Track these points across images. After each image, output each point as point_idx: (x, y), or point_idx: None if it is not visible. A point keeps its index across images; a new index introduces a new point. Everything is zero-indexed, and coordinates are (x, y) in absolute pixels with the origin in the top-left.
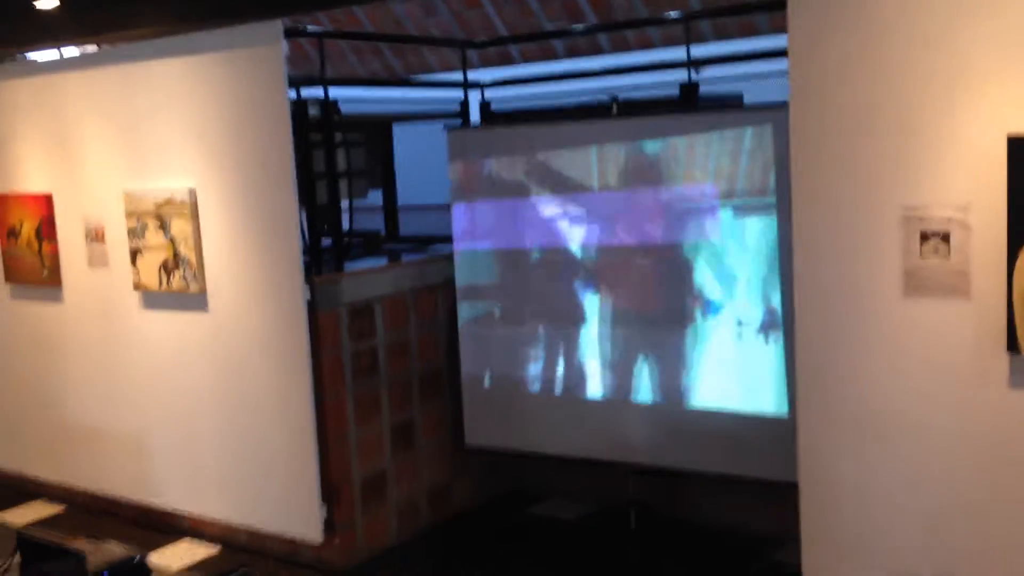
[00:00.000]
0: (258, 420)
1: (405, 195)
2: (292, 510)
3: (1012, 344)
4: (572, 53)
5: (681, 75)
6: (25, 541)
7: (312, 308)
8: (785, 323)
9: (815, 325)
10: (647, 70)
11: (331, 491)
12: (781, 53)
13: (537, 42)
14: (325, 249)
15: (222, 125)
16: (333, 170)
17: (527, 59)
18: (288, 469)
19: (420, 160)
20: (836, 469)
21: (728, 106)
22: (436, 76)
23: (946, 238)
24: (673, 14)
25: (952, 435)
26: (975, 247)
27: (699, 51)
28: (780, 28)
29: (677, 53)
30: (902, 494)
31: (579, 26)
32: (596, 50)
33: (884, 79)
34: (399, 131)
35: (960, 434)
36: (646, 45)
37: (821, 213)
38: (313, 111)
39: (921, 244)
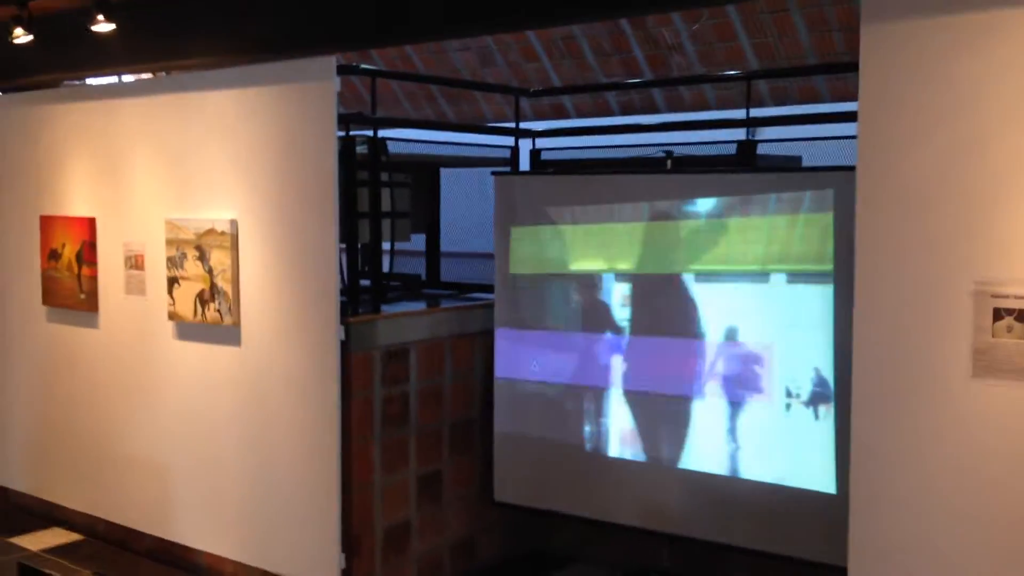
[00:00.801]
0: (282, 460)
1: (447, 242)
2: (310, 556)
3: None
4: (627, 111)
5: (738, 135)
6: (26, 570)
7: (346, 349)
8: (837, 397)
9: (872, 403)
10: (703, 127)
11: (351, 540)
12: (842, 116)
13: (592, 97)
14: (363, 290)
15: (269, 158)
16: (377, 210)
17: (581, 114)
18: (309, 513)
19: (465, 207)
20: (888, 559)
21: (787, 168)
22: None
23: (1021, 316)
24: (732, 72)
25: (1020, 526)
26: None
27: (757, 112)
28: (841, 95)
29: (733, 115)
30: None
31: (635, 81)
32: (651, 108)
33: (960, 147)
34: (446, 177)
35: None
36: (702, 106)
37: (886, 284)
38: (361, 149)
39: (994, 322)
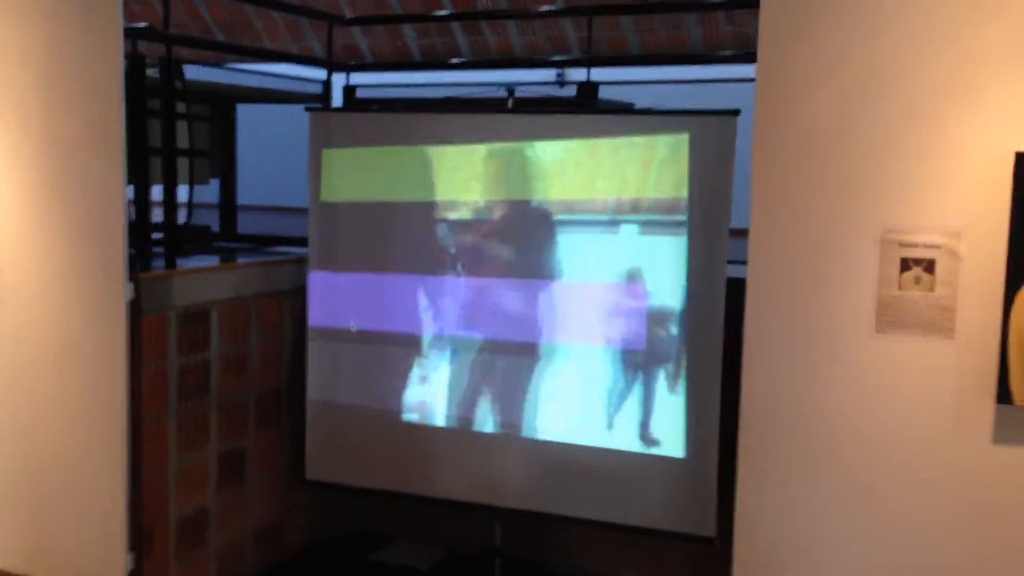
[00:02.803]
0: (55, 445)
1: (244, 194)
2: (93, 558)
3: (1003, 394)
4: (427, 55)
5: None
6: None
7: (135, 310)
8: (688, 354)
9: (765, 361)
10: (546, 66)
11: (142, 534)
12: (677, 59)
13: (391, 38)
14: (155, 242)
15: (35, 75)
16: (172, 146)
17: (378, 58)
18: (90, 507)
19: (267, 153)
20: (783, 526)
21: (645, 111)
22: None
23: (930, 267)
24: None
25: (924, 492)
26: (965, 279)
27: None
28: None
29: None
30: (862, 553)
31: (481, 12)
32: (455, 55)
33: (864, 86)
34: (245, 117)
35: (934, 492)
36: (508, 53)
37: (782, 235)
38: (151, 73)
39: (900, 273)
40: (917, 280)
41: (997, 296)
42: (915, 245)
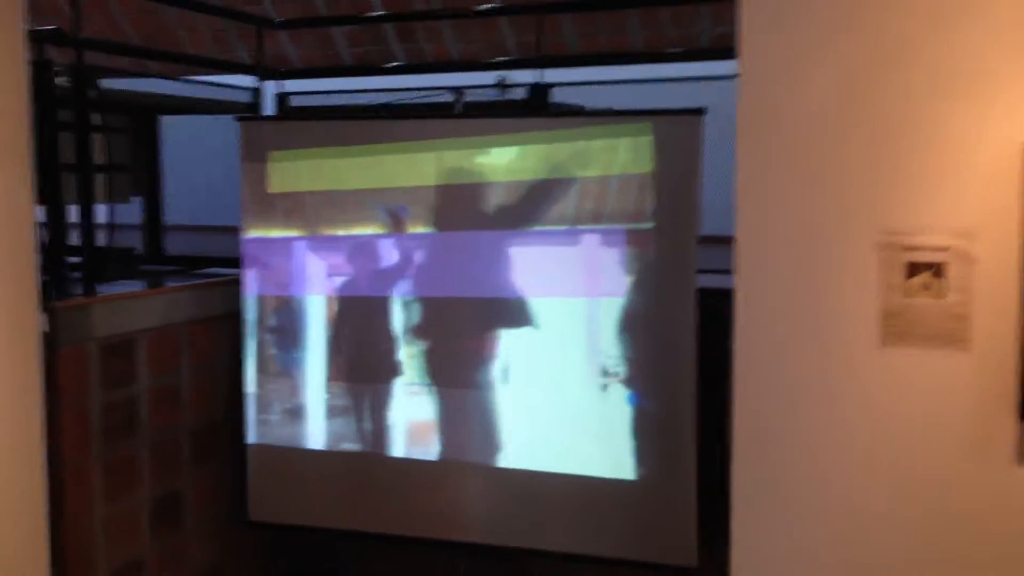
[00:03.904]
0: None
1: (170, 213)
2: None
3: None
4: (360, 62)
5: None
6: None
7: (51, 343)
8: (660, 369)
9: (758, 379)
10: (494, 68)
11: None
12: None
13: (321, 46)
14: (71, 267)
15: None
16: (87, 162)
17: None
18: (6, 567)
19: (192, 168)
20: (782, 561)
21: (602, 112)
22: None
23: (940, 272)
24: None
25: (940, 521)
26: (981, 284)
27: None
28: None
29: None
30: None
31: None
32: (388, 61)
33: (861, 74)
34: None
35: (951, 520)
36: (443, 57)
37: (772, 239)
38: (61, 81)
39: (907, 279)
40: (926, 286)
41: (1014, 302)
42: (921, 248)
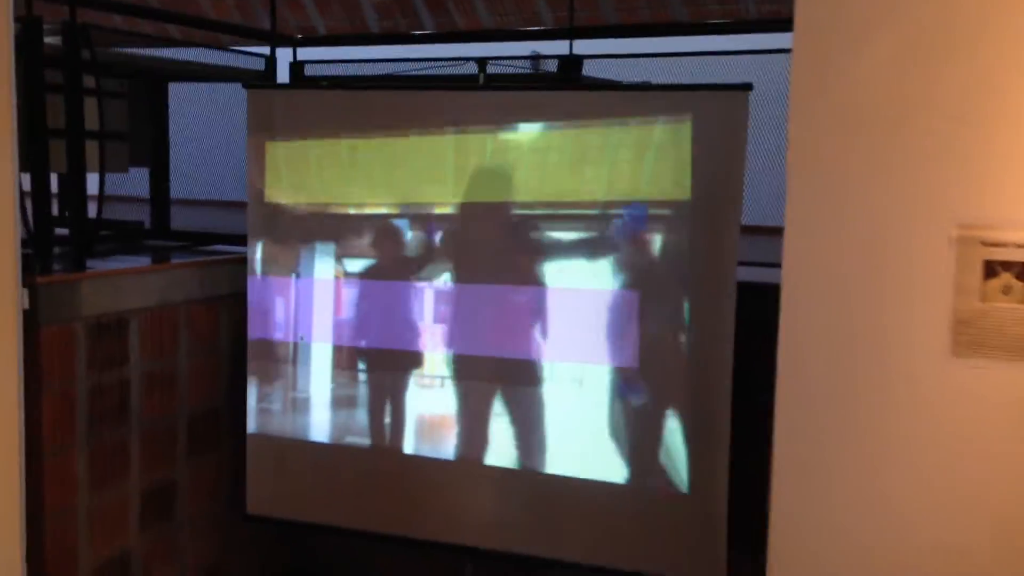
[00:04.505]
0: None
1: (179, 187)
2: None
3: None
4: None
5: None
6: None
7: (32, 321)
8: (690, 375)
9: (805, 388)
10: (523, 38)
11: None
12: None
13: (348, 16)
14: (60, 239)
15: None
16: (79, 127)
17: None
18: None
19: (201, 139)
20: None
21: (640, 86)
22: None
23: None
24: None
25: (1013, 556)
26: None
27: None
28: None
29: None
30: None
31: None
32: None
33: (934, 47)
34: (177, 98)
35: None
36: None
37: (827, 231)
38: (52, 40)
39: (984, 280)
40: (1006, 290)
41: None
42: (1003, 244)
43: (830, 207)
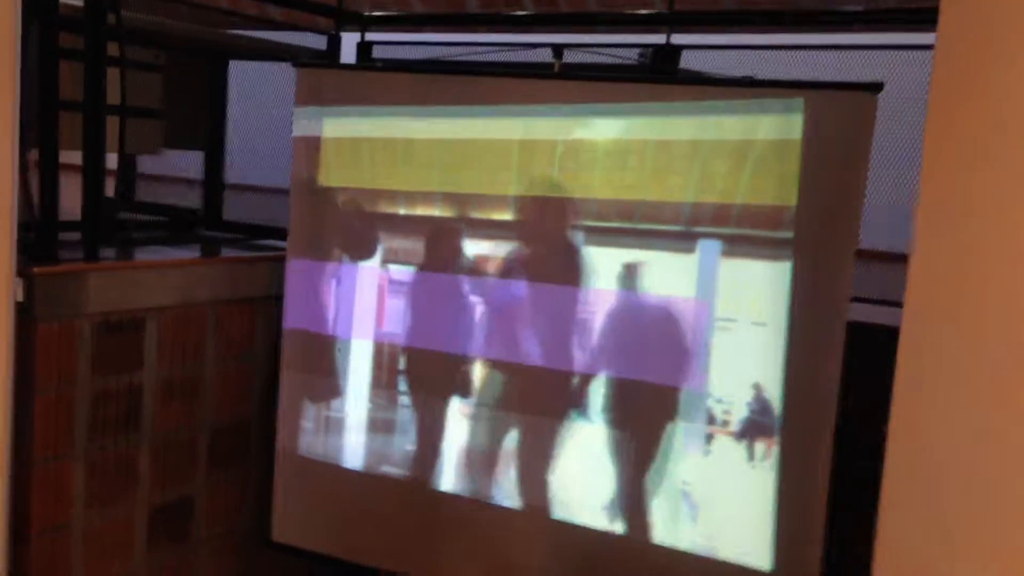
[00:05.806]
0: None
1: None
2: None
3: None
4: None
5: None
6: None
7: (26, 316)
8: (784, 430)
9: (925, 459)
10: (614, 23)
11: None
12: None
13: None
14: (71, 225)
15: None
16: (99, 100)
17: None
18: None
19: (257, 119)
20: None
21: (735, 81)
22: None
23: None
24: None
25: None
26: None
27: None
28: None
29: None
30: None
31: None
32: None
33: None
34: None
35: None
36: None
37: (969, 260)
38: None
39: None
40: None
41: None
42: None
43: (974, 233)
